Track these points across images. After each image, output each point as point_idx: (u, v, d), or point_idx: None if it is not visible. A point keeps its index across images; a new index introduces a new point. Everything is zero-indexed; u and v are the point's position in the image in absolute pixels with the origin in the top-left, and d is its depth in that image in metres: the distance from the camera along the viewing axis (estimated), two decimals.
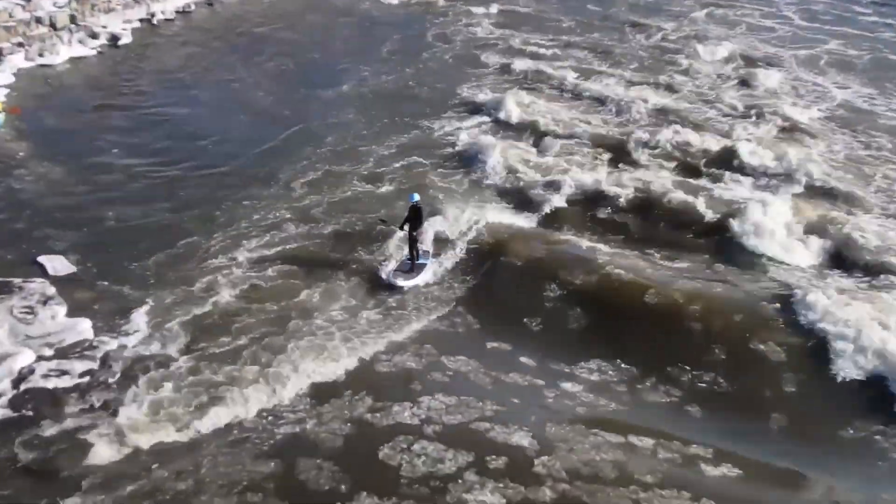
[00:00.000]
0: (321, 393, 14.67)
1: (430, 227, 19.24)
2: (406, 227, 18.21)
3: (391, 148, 24.40)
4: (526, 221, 20.58)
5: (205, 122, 25.95)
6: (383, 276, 17.91)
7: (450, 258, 18.85)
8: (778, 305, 16.76)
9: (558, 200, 21.21)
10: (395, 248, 19.17)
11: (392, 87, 29.60)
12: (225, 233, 19.52)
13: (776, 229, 19.24)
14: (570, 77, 30.35)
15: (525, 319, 16.90)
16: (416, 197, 18.30)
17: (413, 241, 18.42)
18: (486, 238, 19.40)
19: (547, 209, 20.98)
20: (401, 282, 17.90)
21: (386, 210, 20.20)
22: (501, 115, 26.81)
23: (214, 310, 16.38)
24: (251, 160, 23.24)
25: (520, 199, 21.61)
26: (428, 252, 18.96)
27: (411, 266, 18.44)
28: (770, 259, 18.67)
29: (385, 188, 21.91)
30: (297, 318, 16.37)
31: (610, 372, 15.73)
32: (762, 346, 15.98)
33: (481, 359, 15.72)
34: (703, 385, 15.48)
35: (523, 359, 15.89)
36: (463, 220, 19.90)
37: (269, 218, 20.06)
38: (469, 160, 23.57)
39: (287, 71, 30.86)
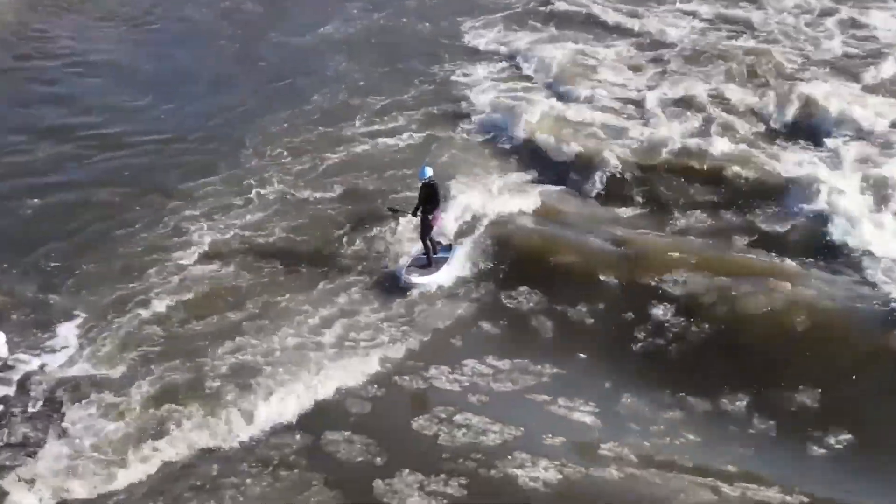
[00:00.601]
0: (287, 434, 14.13)
1: (450, 211, 18.86)
2: (419, 213, 17.48)
3: (391, 106, 23.84)
4: (574, 202, 20.18)
5: (151, 78, 25.21)
6: (397, 273, 17.31)
7: (475, 250, 18.23)
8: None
9: (608, 173, 20.81)
10: (409, 239, 18.45)
11: (388, 27, 28.81)
12: (178, 218, 18.81)
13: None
14: (613, 16, 29.58)
15: (574, 330, 16.43)
16: (429, 172, 17.45)
17: (428, 229, 17.65)
18: (522, 223, 18.94)
19: (597, 184, 20.61)
20: (415, 279, 17.21)
21: (387, 191, 19.75)
22: (526, 62, 26.14)
23: (163, 319, 15.93)
24: (213, 125, 22.94)
25: (559, 170, 21.20)
26: (447, 244, 18.26)
27: (428, 260, 17.72)
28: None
29: (388, 160, 21.26)
30: (269, 330, 15.87)
31: (691, 399, 14.99)
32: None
33: (511, 378, 15.34)
34: (814, 418, 14.62)
35: (569, 380, 15.40)
36: (490, 201, 19.41)
37: (236, 199, 19.60)
38: (490, 122, 23.11)
39: (252, 11, 30.03)
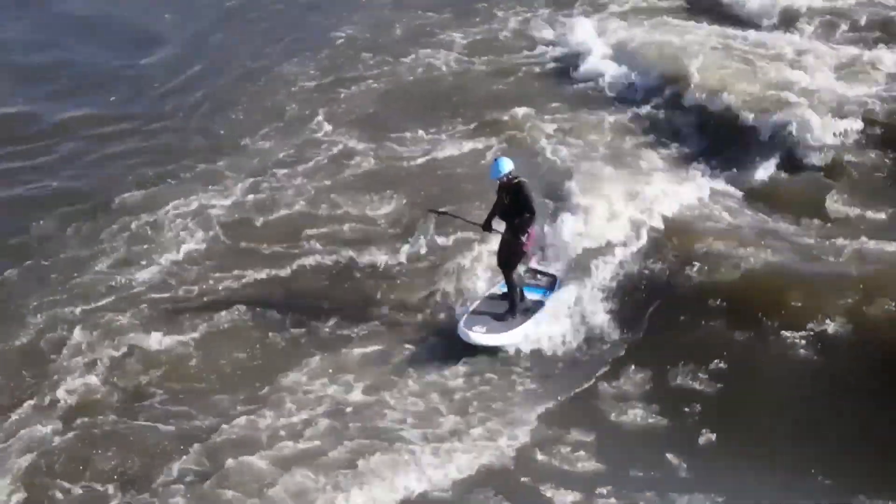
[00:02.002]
0: None
1: (547, 226, 12.92)
2: (494, 227, 11.36)
3: (438, 60, 18.03)
4: (746, 213, 13.56)
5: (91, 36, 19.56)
6: (457, 321, 11.35)
7: (590, 290, 11.92)
8: None
9: (802, 157, 14.52)
10: (484, 270, 12.29)
11: None
12: (118, 242, 13.08)
13: None
14: None
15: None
16: (507, 165, 11.05)
17: (514, 255, 11.23)
18: (667, 243, 12.73)
19: (819, 172, 14.20)
20: (478, 335, 11.03)
21: (440, 193, 13.84)
22: None
23: (89, 405, 10.58)
24: (183, 99, 17.27)
25: (726, 155, 14.85)
26: (548, 276, 12.09)
27: (510, 304, 11.32)
28: None
29: (440, 145, 15.33)
30: (259, 415, 10.41)
31: None
32: None
33: None
34: None
35: None
36: (629, 202, 13.28)
37: (207, 207, 13.78)
38: (614, 75, 17.08)
39: None
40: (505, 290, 11.36)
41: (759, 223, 12.97)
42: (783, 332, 10.91)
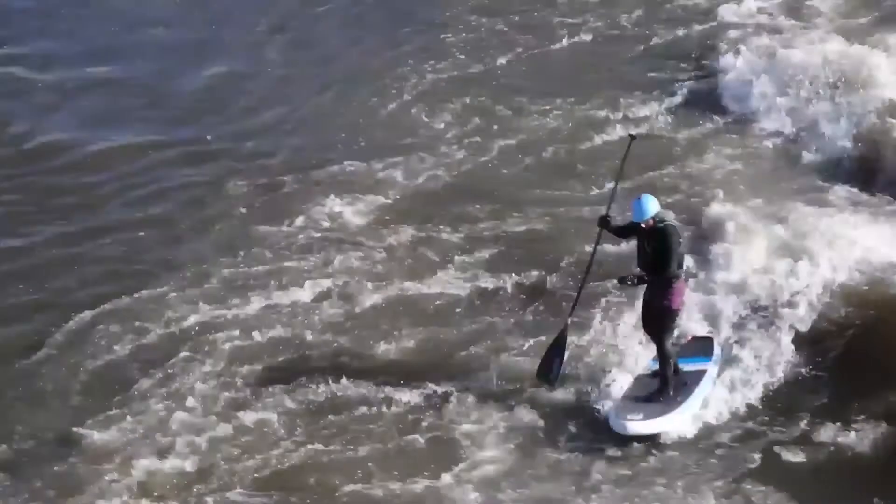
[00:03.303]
0: None
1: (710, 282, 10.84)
2: (637, 277, 9.27)
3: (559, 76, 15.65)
4: None
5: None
6: (611, 414, 9.32)
7: (768, 359, 9.75)
8: None
9: None
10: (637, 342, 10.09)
11: None
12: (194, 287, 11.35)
13: None
14: None
15: None
16: (653, 206, 8.95)
17: (663, 318, 9.12)
18: (853, 295, 10.51)
19: None
20: (635, 424, 9.07)
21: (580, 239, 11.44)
22: None
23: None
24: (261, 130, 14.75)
25: None
26: (703, 339, 9.93)
27: (663, 380, 9.27)
28: None
29: (563, 182, 13.03)
30: None
31: None
32: None
33: None
34: None
35: None
36: (815, 244, 10.98)
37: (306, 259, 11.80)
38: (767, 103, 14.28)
39: None
40: (655, 365, 9.35)
41: None
42: None
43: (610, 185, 10.71)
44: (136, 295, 11.01)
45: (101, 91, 15.99)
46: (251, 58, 16.81)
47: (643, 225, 8.87)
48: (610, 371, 9.75)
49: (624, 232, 9.32)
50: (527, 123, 14.39)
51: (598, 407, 9.35)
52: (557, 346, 9.34)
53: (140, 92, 15.83)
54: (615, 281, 9.65)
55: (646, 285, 9.10)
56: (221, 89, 15.85)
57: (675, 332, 9.44)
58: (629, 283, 9.20)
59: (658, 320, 9.08)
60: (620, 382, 9.54)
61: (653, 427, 8.98)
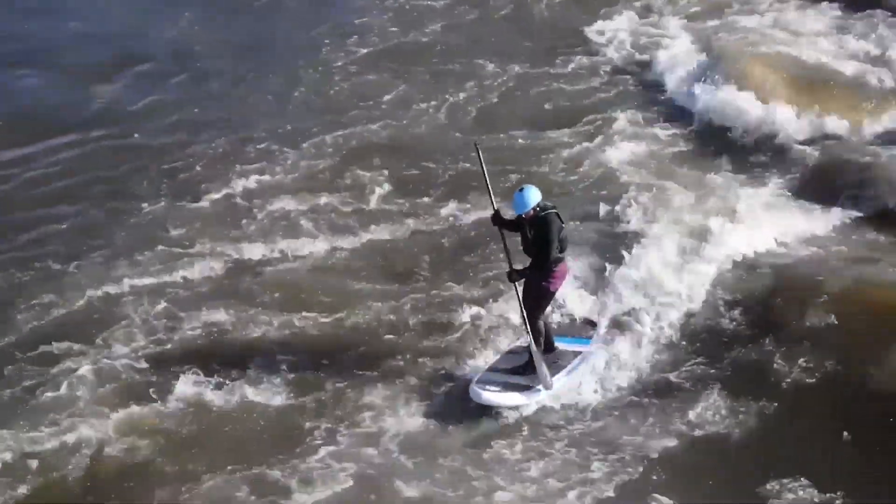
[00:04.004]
0: None
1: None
2: (515, 268, 9.41)
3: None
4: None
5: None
6: (472, 383, 9.43)
7: (640, 338, 10.06)
8: None
9: None
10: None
11: None
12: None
13: None
14: None
15: None
16: (535, 197, 9.19)
17: (538, 299, 9.42)
18: (761, 283, 10.77)
19: None
20: (491, 394, 9.18)
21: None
22: None
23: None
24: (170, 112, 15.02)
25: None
26: (587, 323, 10.23)
27: (530, 357, 9.37)
28: None
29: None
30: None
31: None
32: None
33: None
34: None
35: None
36: (682, 242, 11.29)
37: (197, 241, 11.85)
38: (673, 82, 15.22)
39: None
40: (520, 345, 9.55)
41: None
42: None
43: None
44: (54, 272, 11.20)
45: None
46: (171, 49, 17.04)
47: (524, 216, 9.11)
48: (485, 344, 9.99)
49: (515, 224, 9.45)
50: (450, 89, 15.10)
51: (466, 378, 9.46)
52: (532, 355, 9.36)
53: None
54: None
55: (529, 267, 9.26)
56: (144, 79, 16.12)
57: (552, 311, 9.71)
58: (515, 279, 9.29)
59: (534, 299, 9.26)
60: (490, 355, 9.74)
61: (508, 399, 9.11)
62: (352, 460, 8.63)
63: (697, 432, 8.85)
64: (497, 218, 9.41)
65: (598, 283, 10.68)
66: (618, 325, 10.12)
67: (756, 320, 10.15)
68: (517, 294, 9.36)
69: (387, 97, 15.09)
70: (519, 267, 9.29)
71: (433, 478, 8.47)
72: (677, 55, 15.85)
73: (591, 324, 10.07)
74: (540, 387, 9.20)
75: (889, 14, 16.54)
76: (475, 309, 10.43)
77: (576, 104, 14.81)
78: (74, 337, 10.09)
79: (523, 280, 9.34)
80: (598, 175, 12.91)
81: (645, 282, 10.62)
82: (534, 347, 9.24)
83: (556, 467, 8.55)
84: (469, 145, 10.95)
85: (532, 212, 9.09)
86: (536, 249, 9.14)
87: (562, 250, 9.21)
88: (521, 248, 9.40)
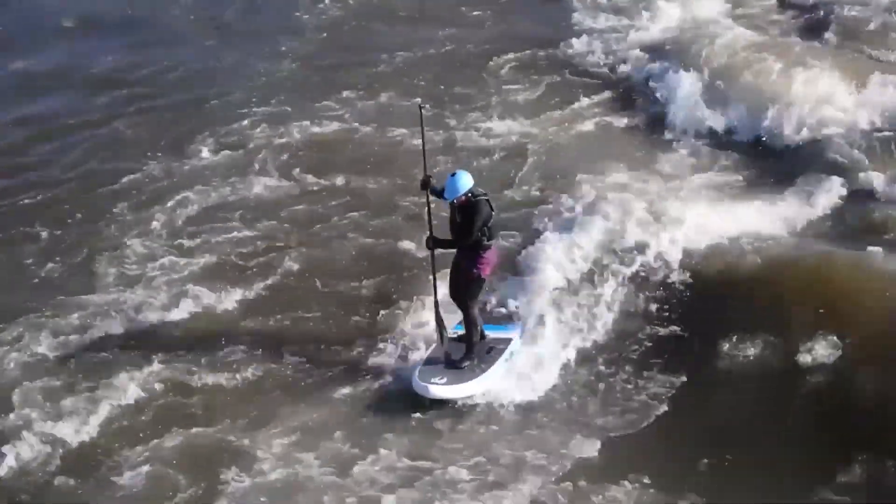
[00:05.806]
0: None
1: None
2: (435, 237, 9.51)
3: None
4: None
5: None
6: (414, 377, 9.46)
7: (571, 322, 10.18)
8: None
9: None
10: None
11: None
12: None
13: None
14: None
15: None
16: (467, 182, 9.23)
17: (469, 286, 9.49)
18: (688, 265, 10.85)
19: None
20: (437, 388, 9.24)
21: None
22: None
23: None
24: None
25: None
26: (516, 314, 10.31)
27: (468, 347, 9.55)
28: None
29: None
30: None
31: None
32: None
33: None
34: None
35: None
36: (614, 227, 11.23)
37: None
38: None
39: None
40: (461, 330, 9.62)
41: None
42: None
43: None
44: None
45: None
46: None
47: (455, 202, 9.14)
48: (419, 334, 10.03)
49: (453, 236, 9.44)
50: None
51: (404, 370, 9.57)
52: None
53: None
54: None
55: (456, 251, 9.38)
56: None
57: (483, 299, 9.76)
58: (431, 246, 9.37)
59: (464, 286, 9.36)
60: (427, 346, 9.77)
61: (454, 392, 9.17)
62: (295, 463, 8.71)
63: (616, 432, 8.91)
64: (427, 184, 9.40)
65: (527, 270, 10.72)
66: (546, 314, 10.12)
67: (696, 306, 10.24)
68: (432, 264, 9.50)
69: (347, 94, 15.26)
70: (439, 237, 9.34)
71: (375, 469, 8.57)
72: (641, 44, 16.21)
73: (517, 310, 10.21)
74: (482, 377, 9.29)
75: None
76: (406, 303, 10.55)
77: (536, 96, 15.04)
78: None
79: (451, 268, 9.48)
80: (542, 164, 13.05)
81: (577, 268, 10.67)
82: (475, 338, 9.39)
83: (493, 458, 8.64)
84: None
85: (464, 198, 9.13)
86: (462, 232, 9.21)
87: (490, 238, 9.27)
88: (450, 229, 9.40)
